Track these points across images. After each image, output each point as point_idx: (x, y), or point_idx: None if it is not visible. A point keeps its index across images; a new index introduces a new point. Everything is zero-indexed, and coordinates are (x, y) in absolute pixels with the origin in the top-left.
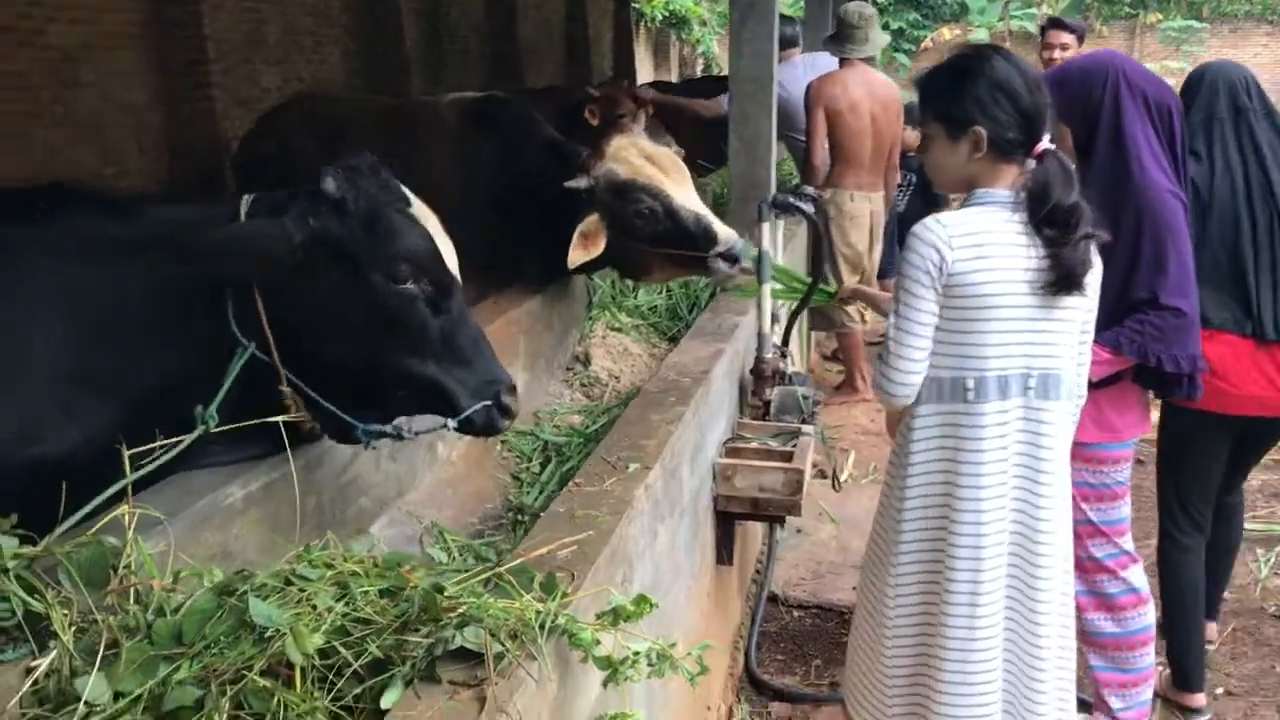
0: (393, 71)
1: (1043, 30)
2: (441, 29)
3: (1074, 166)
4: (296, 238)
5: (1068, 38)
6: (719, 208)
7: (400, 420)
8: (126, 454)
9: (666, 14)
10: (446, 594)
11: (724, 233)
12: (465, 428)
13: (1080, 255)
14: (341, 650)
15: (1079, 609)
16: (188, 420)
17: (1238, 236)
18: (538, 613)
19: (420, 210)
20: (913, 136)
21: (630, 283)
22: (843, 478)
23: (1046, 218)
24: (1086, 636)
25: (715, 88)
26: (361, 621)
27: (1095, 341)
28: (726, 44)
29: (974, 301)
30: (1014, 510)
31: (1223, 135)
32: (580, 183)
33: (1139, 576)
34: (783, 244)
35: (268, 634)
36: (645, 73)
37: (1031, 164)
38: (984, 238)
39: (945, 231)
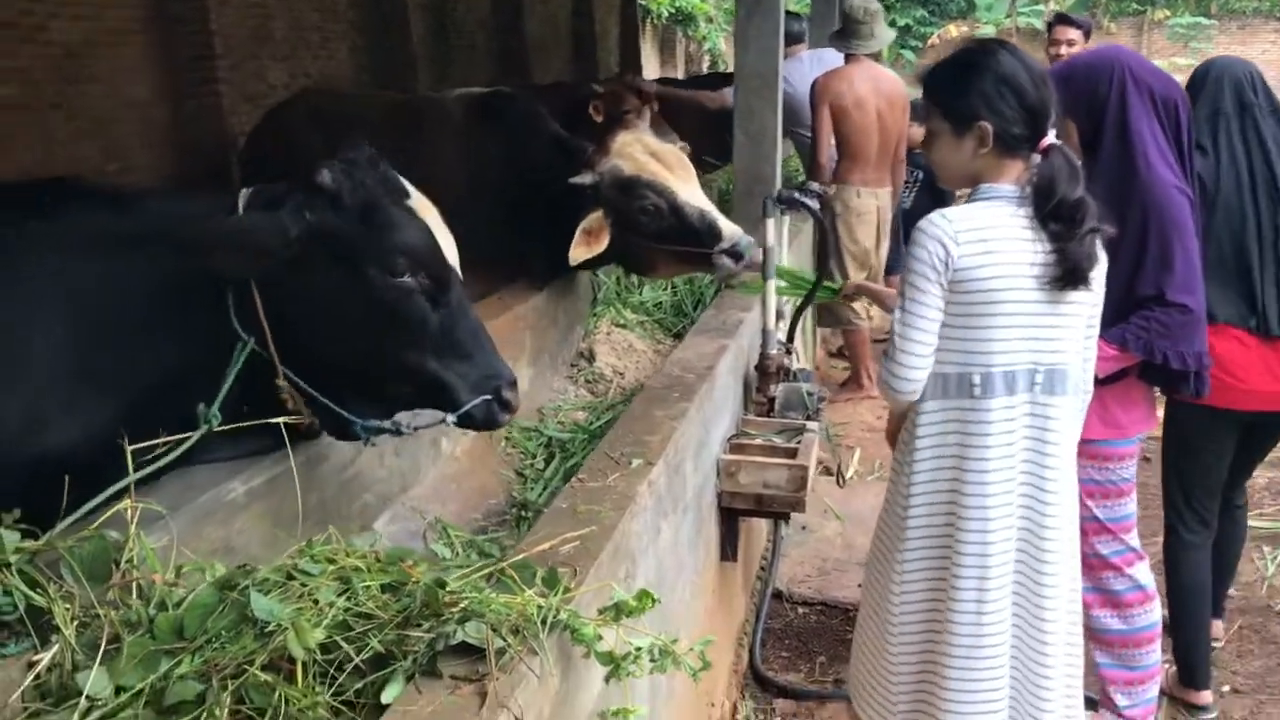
0: (399, 67)
1: (1049, 26)
2: (448, 25)
3: (1080, 162)
4: (292, 231)
5: (1074, 34)
6: (724, 204)
7: (400, 415)
8: (129, 449)
9: (673, 10)
10: (448, 589)
11: (729, 229)
12: (465, 422)
13: (1086, 250)
14: (343, 645)
15: (1085, 606)
16: (188, 416)
17: (1243, 232)
18: (540, 608)
19: (419, 203)
20: (918, 133)
21: (635, 279)
22: (848, 474)
23: (1052, 213)
24: (1092, 634)
25: (721, 84)
26: (363, 616)
27: (1101, 338)
28: (733, 40)
29: (980, 297)
30: (1021, 507)
31: (1228, 131)
32: (585, 179)
33: (1145, 573)
34: (788, 240)
35: (269, 628)
36: (651, 69)
37: (1036, 159)
38: (990, 233)
39: (951, 226)
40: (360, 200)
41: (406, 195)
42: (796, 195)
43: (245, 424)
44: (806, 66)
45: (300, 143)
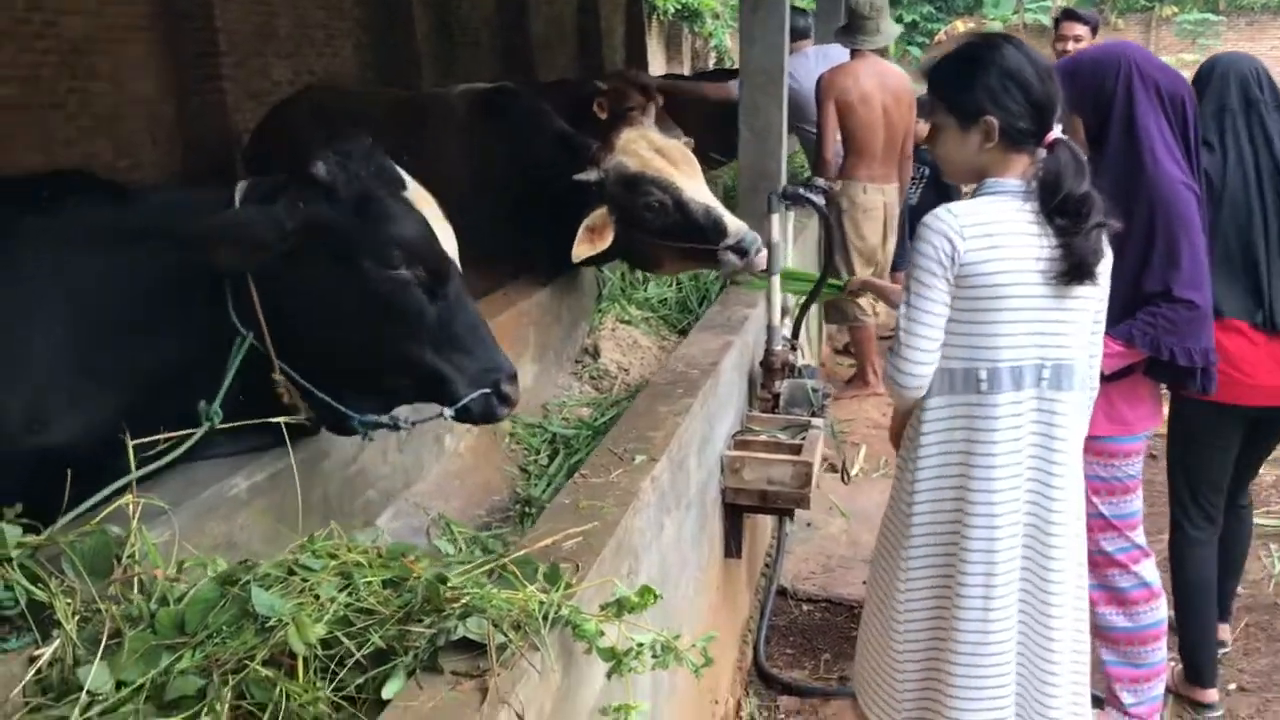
0: (404, 65)
1: (1056, 22)
2: (453, 23)
3: (1086, 157)
4: (287, 224)
5: (1081, 29)
6: (729, 200)
7: (398, 410)
8: (130, 445)
9: (679, 7)
10: (450, 584)
11: (734, 225)
12: (462, 416)
13: (1093, 244)
14: (344, 640)
15: (1090, 603)
16: (188, 411)
17: (1250, 228)
18: (541, 603)
19: (416, 194)
20: (925, 129)
21: (640, 275)
22: (853, 472)
23: (1058, 208)
24: (1098, 631)
25: (727, 80)
26: (364, 612)
27: (1107, 334)
28: (737, 36)
29: (986, 291)
30: (1027, 503)
31: (1234, 127)
32: (590, 175)
33: (1151, 571)
34: (793, 237)
35: (270, 624)
36: (657, 66)
37: (1042, 153)
38: (996, 227)
39: (957, 221)
40: (355, 192)
41: (403, 187)
42: (801, 191)
43: (246, 422)
44: (812, 62)
45: (304, 139)
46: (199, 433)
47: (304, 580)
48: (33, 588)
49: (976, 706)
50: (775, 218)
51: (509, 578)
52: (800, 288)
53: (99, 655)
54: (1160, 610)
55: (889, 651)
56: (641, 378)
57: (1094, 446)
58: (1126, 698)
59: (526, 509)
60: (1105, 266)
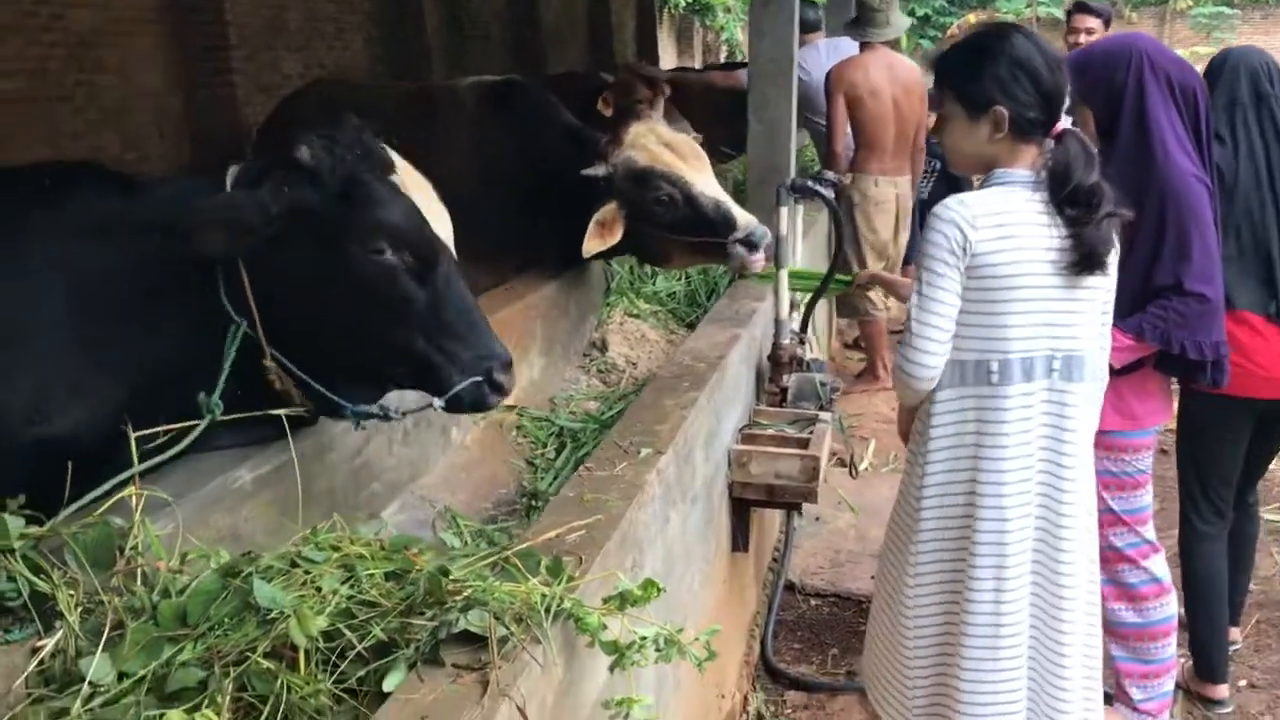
0: (414, 58)
1: (1068, 15)
2: (463, 16)
3: (1096, 149)
4: (270, 208)
5: (1093, 22)
6: (739, 194)
7: (388, 399)
8: (133, 436)
9: (690, 1)
10: (452, 577)
11: (744, 219)
12: (453, 406)
13: (1104, 234)
14: (346, 632)
15: (1101, 598)
16: (188, 402)
17: (1263, 221)
18: (543, 596)
19: (407, 177)
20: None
21: (649, 269)
22: (862, 466)
23: (1068, 198)
24: (1107, 626)
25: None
26: (367, 604)
27: (1118, 328)
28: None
29: (998, 282)
30: (1038, 496)
31: (1245, 121)
32: (598, 170)
33: (1161, 566)
34: (803, 230)
35: (272, 616)
36: (669, 59)
37: (1050, 144)
38: (1007, 217)
39: (968, 211)
40: (340, 176)
41: (391, 170)
42: (810, 184)
43: (247, 415)
44: (823, 55)
45: None
46: (201, 425)
47: (306, 572)
48: (35, 579)
49: (989, 700)
50: (784, 210)
51: (511, 570)
52: (808, 285)
53: (101, 647)
54: (1170, 606)
55: (899, 647)
56: (649, 371)
57: (1103, 441)
58: (1136, 693)
59: (533, 502)
60: (1113, 257)
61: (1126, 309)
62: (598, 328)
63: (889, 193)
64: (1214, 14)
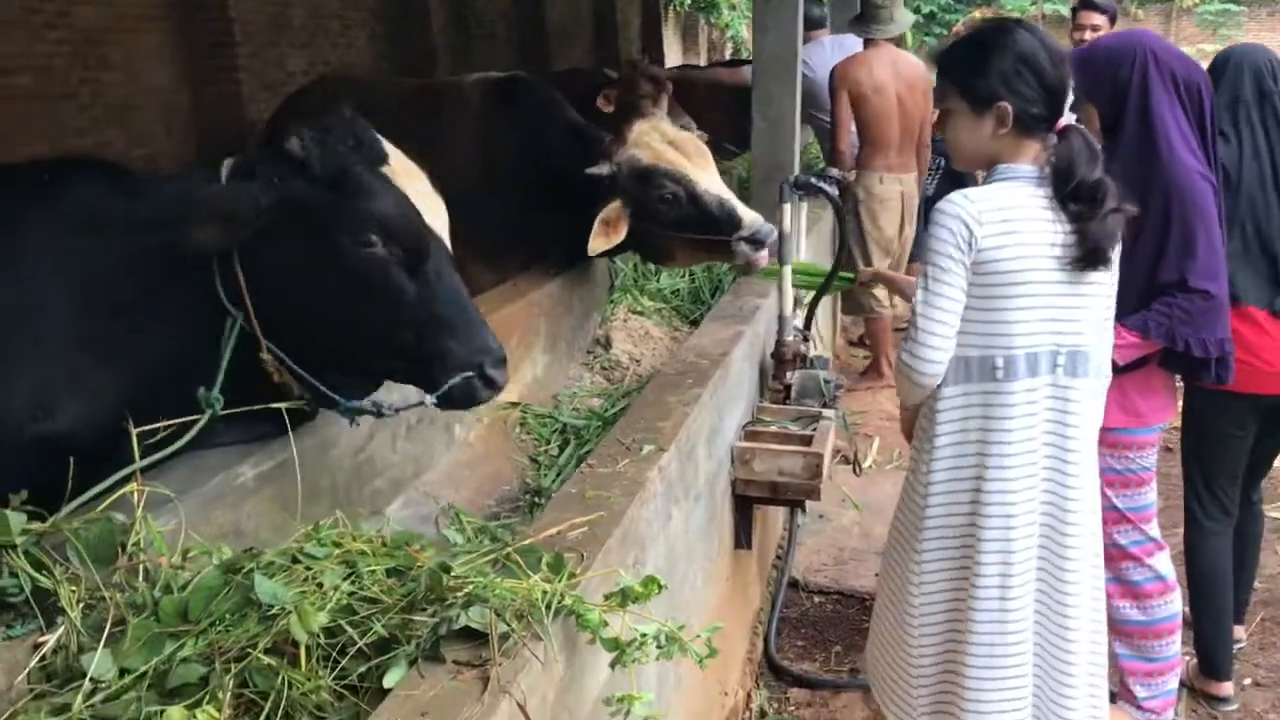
0: (419, 56)
1: (1073, 11)
2: (468, 14)
3: (1100, 145)
4: (262, 201)
5: (1099, 19)
6: (744, 191)
7: (379, 395)
8: (134, 433)
9: None
10: (453, 574)
11: (748, 216)
12: (445, 401)
13: (1108, 230)
14: (347, 628)
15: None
16: (188, 397)
17: (1267, 219)
18: (544, 593)
19: (399, 168)
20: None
21: (653, 266)
22: (866, 464)
23: (1072, 194)
24: (1112, 624)
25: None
26: (368, 600)
27: (1123, 325)
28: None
29: (1003, 278)
30: (1043, 493)
31: (1249, 119)
32: (602, 169)
33: (1165, 564)
34: (807, 228)
35: (273, 612)
36: (674, 57)
37: (1053, 139)
38: (1012, 213)
39: (974, 207)
40: (330, 167)
41: (383, 161)
42: (814, 180)
43: (247, 409)
44: (828, 51)
45: None
46: (202, 420)
47: (308, 569)
48: (38, 575)
49: (993, 699)
50: (787, 207)
51: (513, 567)
52: (811, 282)
53: (102, 643)
54: (1174, 604)
55: (904, 645)
56: (653, 368)
57: (1107, 438)
58: (1140, 691)
59: (536, 499)
60: (1115, 252)
61: (1131, 306)
62: (601, 325)
63: (894, 189)
64: (1220, 11)
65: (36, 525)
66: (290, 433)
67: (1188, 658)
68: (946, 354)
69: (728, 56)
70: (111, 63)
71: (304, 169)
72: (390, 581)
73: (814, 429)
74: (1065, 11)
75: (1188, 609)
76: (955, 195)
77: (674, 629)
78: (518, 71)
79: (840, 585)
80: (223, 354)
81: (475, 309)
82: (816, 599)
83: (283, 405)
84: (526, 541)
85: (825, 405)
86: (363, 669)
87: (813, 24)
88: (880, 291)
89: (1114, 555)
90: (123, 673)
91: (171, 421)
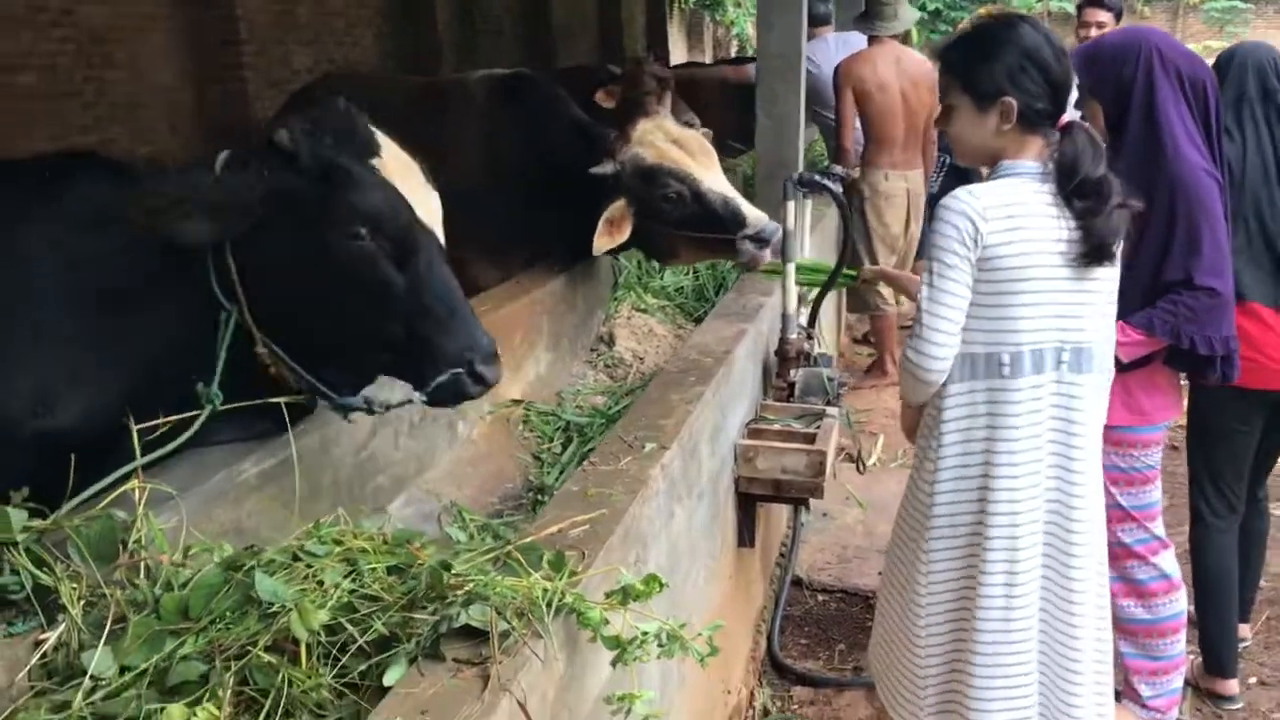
0: (424, 54)
1: (1079, 9)
2: (473, 11)
3: (1104, 142)
4: (251, 193)
5: (1104, 16)
6: (748, 189)
7: (374, 392)
8: (135, 429)
9: None
10: (454, 572)
11: (753, 215)
12: (434, 398)
13: (1113, 225)
14: (347, 626)
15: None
16: (187, 393)
17: (1272, 212)
18: (545, 591)
19: (392, 161)
20: None
21: (657, 264)
22: (870, 462)
23: (1076, 190)
24: (1116, 623)
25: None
26: (368, 598)
27: (1128, 323)
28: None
29: (1009, 274)
30: (1048, 489)
31: (1253, 115)
32: (606, 168)
33: (1170, 562)
34: (811, 225)
35: (274, 609)
36: (679, 54)
37: (1055, 135)
38: (1017, 209)
39: (979, 203)
40: (319, 160)
41: (375, 153)
42: (818, 178)
43: (246, 404)
44: (832, 48)
45: None
46: (203, 415)
47: (308, 566)
48: (39, 572)
49: (999, 696)
50: (791, 205)
51: (513, 565)
52: (815, 279)
53: (103, 640)
54: (1179, 602)
55: (911, 643)
56: (657, 366)
57: (1112, 436)
58: (1144, 690)
59: (539, 497)
60: (1119, 247)
61: (1136, 303)
62: (605, 322)
63: (899, 186)
64: (1227, 8)
65: (38, 522)
66: (290, 429)
67: (1192, 656)
68: (952, 351)
69: (733, 54)
70: (116, 61)
71: (293, 161)
72: (391, 579)
73: (818, 427)
74: (1071, 8)
75: (1193, 607)
76: (960, 191)
77: (675, 627)
78: (522, 69)
79: (844, 583)
80: (219, 348)
81: (467, 304)
82: (820, 597)
83: (282, 400)
84: (527, 539)
85: (829, 403)
86: (363, 667)
87: (817, 21)
88: (885, 289)
89: (1119, 553)
90: (123, 670)
91: (171, 418)
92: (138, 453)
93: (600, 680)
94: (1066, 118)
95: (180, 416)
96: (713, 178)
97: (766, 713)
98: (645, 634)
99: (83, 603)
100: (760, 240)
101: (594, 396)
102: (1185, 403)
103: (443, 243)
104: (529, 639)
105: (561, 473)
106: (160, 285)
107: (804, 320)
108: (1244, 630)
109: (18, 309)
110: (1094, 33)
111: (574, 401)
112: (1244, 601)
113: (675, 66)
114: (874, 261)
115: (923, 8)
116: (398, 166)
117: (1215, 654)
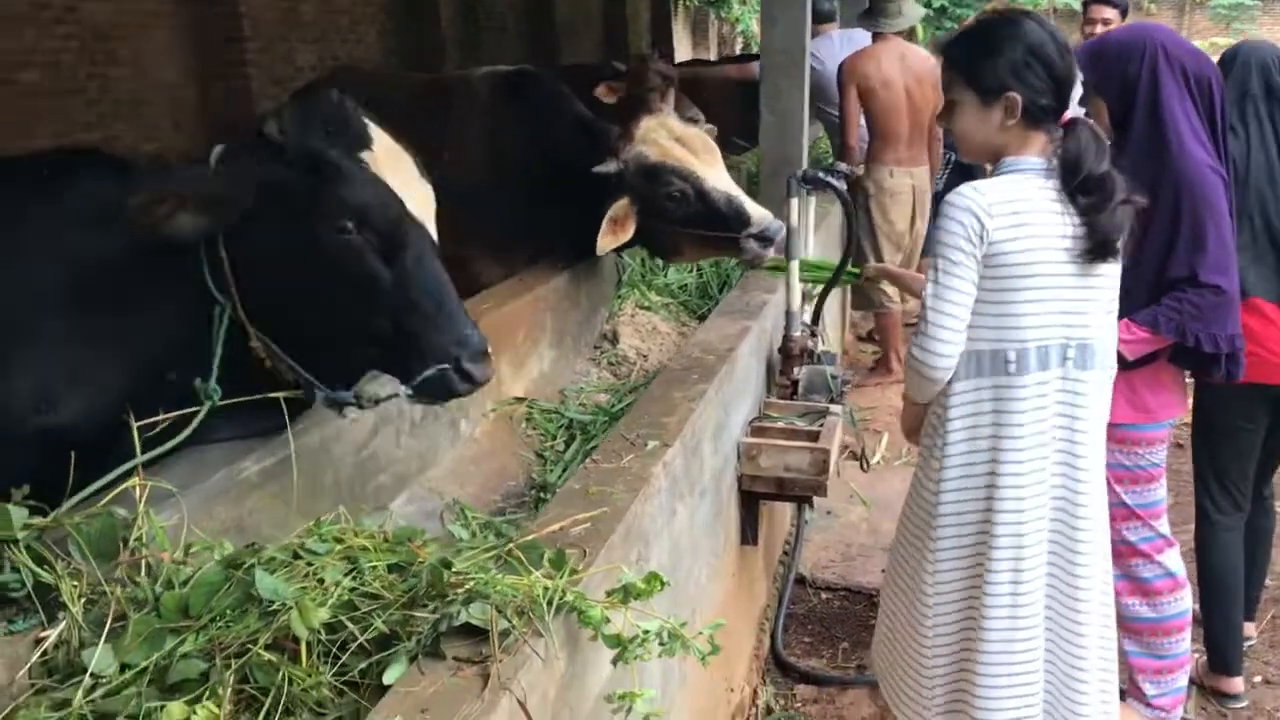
0: (428, 50)
1: (1085, 5)
2: (478, 7)
3: (1110, 139)
4: (240, 186)
5: (1110, 12)
6: (752, 186)
7: (359, 386)
8: (135, 426)
9: None
10: (454, 570)
11: (756, 213)
12: (420, 393)
13: (1118, 222)
14: (348, 625)
15: (1114, 593)
16: (186, 390)
17: (1276, 209)
18: (546, 589)
19: (383, 153)
20: None
21: (660, 261)
22: (874, 460)
23: (1080, 186)
24: (1121, 621)
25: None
26: (369, 596)
27: (1132, 320)
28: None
29: (1014, 271)
30: (1054, 487)
31: (1257, 112)
32: (609, 167)
33: (1175, 561)
34: (815, 222)
35: (274, 607)
36: (683, 51)
37: (1058, 131)
38: (1022, 205)
39: (984, 199)
40: (306, 152)
41: (365, 146)
42: (821, 175)
43: (244, 400)
44: (836, 45)
45: None
46: (202, 411)
47: (309, 564)
48: (39, 570)
49: (1006, 694)
50: (795, 202)
51: (514, 563)
52: (818, 276)
53: (103, 638)
54: (1184, 601)
55: (917, 642)
56: (660, 364)
57: (1116, 434)
58: (1149, 689)
59: (542, 495)
60: (1122, 243)
61: (1141, 301)
62: (609, 320)
63: (904, 183)
64: (1233, 5)
65: (38, 520)
66: (289, 424)
67: (1197, 655)
68: (957, 348)
69: (738, 51)
70: (119, 58)
71: (282, 154)
72: (391, 577)
73: (821, 424)
74: (1076, 4)
75: (1198, 606)
76: (964, 188)
77: (677, 626)
78: (526, 66)
79: (848, 581)
80: (215, 343)
81: (457, 300)
82: (823, 595)
83: (281, 395)
84: (529, 537)
85: (832, 401)
86: (363, 665)
87: (821, 18)
88: (889, 286)
89: (1123, 552)
90: (123, 668)
91: (171, 414)
92: (138, 450)
93: (601, 679)
94: (1070, 114)
95: (180, 413)
96: (716, 175)
97: (770, 711)
98: (646, 632)
99: (83, 600)
100: (764, 238)
101: (597, 394)
102: (1190, 400)
103: (435, 237)
104: (529, 637)
105: (564, 470)
106: (158, 280)
107: (808, 318)
108: (1249, 629)
109: (20, 305)
110: (1099, 29)
111: (577, 399)
112: (1249, 600)
113: (679, 64)
114: (879, 259)
115: (927, 4)
116: (389, 159)
117: (1220, 652)
